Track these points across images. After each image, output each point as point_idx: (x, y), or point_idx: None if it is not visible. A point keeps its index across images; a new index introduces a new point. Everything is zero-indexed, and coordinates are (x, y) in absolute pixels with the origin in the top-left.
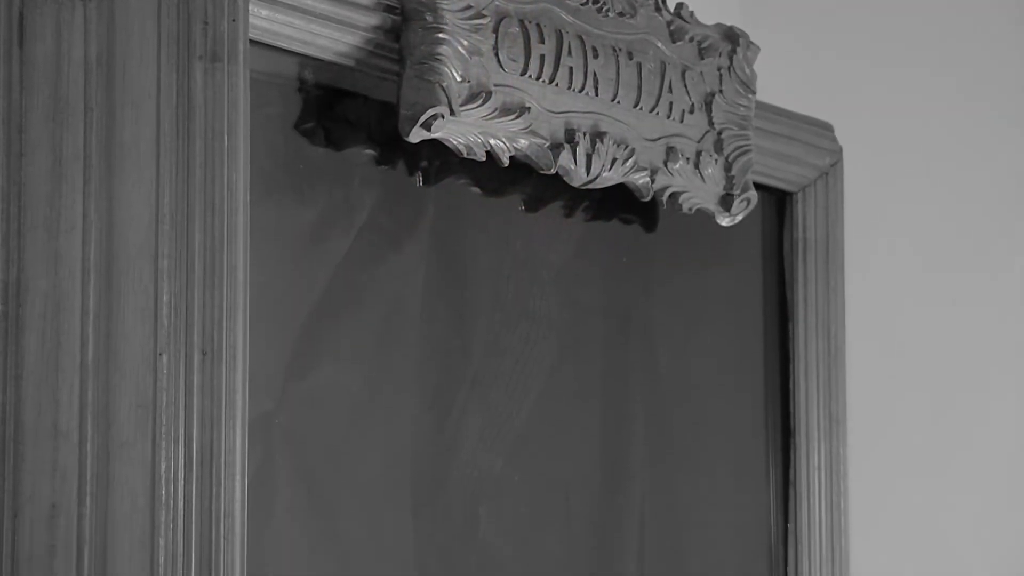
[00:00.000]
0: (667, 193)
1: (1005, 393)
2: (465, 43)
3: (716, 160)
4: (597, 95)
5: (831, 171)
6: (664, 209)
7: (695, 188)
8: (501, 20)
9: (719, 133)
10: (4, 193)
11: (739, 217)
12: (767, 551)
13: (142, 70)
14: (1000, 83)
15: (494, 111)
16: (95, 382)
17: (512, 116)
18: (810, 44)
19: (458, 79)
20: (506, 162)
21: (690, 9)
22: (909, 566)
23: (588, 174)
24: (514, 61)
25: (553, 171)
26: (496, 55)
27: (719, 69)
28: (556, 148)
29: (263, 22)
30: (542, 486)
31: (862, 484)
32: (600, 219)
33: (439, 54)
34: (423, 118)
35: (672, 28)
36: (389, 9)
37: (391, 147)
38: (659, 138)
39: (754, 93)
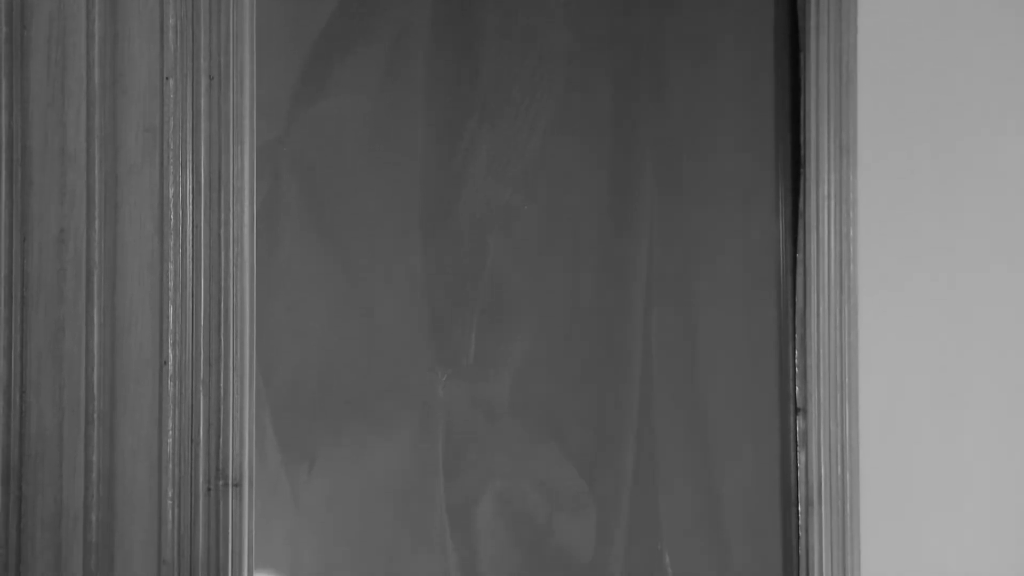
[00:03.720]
0: None
1: (1013, 123)
2: None
3: None
4: None
5: None
6: None
7: None
8: None
9: None
10: None
11: None
12: (775, 281)
13: None
14: None
15: None
16: (101, 106)
17: None
18: None
19: None
20: None
21: None
22: (918, 289)
23: None
24: None
25: None
26: None
27: None
28: None
29: None
30: (550, 216)
31: (871, 213)
32: None
33: None
34: None
35: None
36: None
37: None
38: None
39: None
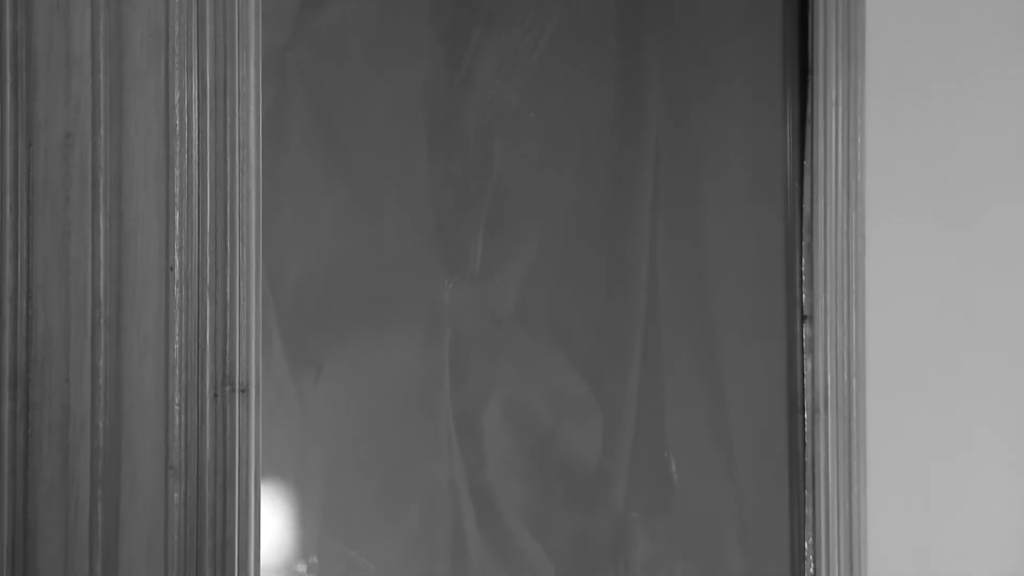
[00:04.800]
0: None
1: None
2: None
3: None
4: None
5: None
6: None
7: None
8: None
9: None
10: None
11: None
12: (782, 188)
13: None
14: None
15: None
16: (106, 10)
17: None
18: None
19: None
20: None
21: None
22: (927, 195)
23: None
24: None
25: None
26: None
27: None
28: None
29: None
30: (557, 123)
31: (879, 119)
32: None
33: None
34: None
35: None
36: None
37: None
38: None
39: None
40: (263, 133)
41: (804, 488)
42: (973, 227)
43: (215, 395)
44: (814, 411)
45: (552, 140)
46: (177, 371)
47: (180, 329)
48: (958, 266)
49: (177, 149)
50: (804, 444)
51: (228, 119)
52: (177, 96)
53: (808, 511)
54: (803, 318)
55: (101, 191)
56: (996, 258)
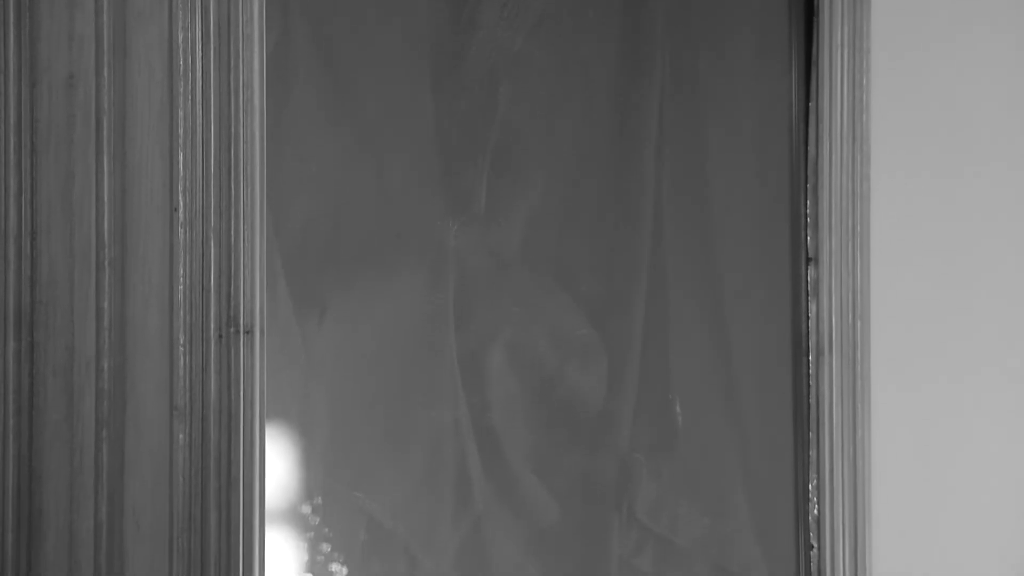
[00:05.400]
0: None
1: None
2: None
3: None
4: None
5: None
6: None
7: None
8: None
9: None
10: None
11: None
12: (787, 130)
13: None
14: None
15: None
16: None
17: None
18: None
19: None
20: None
21: None
22: (930, 136)
23: None
24: None
25: None
26: None
27: None
28: None
29: None
30: (562, 64)
31: (884, 61)
32: None
33: None
34: None
35: None
36: None
37: None
38: None
39: None
40: (267, 74)
41: (808, 430)
42: (978, 169)
43: (220, 336)
44: (818, 353)
45: (557, 82)
46: (181, 312)
47: (184, 270)
48: (963, 207)
49: (181, 90)
50: (808, 386)
51: (232, 60)
52: (181, 36)
53: (812, 453)
54: (808, 260)
55: (105, 132)
56: (1001, 200)
